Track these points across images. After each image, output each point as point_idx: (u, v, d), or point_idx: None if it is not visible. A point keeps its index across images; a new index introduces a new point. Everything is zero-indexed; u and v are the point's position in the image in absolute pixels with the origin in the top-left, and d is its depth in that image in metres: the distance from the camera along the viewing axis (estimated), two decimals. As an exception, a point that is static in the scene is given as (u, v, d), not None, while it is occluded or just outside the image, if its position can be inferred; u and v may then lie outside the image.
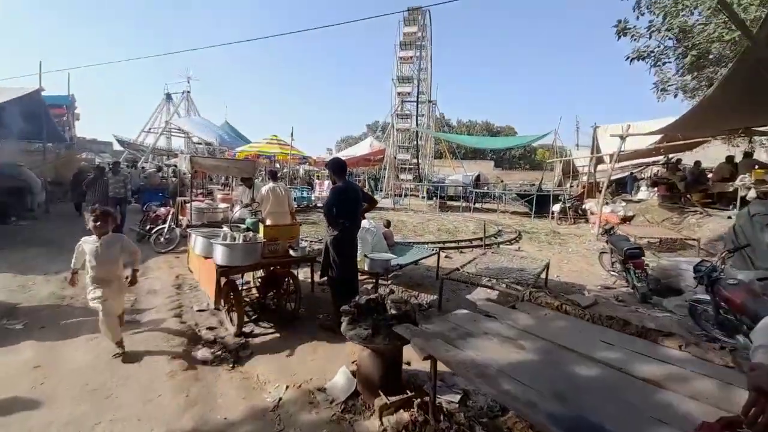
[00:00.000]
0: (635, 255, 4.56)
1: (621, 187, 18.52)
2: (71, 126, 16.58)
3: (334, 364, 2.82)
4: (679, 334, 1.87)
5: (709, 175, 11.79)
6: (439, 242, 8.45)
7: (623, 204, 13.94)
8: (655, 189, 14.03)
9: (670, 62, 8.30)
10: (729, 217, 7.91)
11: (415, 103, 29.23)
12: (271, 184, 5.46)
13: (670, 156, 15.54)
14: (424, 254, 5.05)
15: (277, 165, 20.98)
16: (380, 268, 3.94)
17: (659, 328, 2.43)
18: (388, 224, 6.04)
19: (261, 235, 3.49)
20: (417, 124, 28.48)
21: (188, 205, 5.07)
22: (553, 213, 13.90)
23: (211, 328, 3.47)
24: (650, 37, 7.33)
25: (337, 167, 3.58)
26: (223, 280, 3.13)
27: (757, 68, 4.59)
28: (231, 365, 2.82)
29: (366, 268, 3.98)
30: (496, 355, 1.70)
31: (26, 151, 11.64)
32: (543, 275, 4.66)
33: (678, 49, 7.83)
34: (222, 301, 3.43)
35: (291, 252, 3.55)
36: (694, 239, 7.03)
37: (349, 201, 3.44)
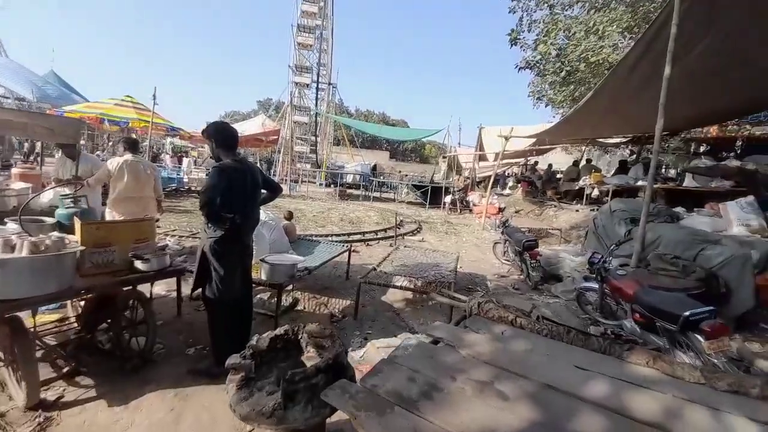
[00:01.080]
0: (531, 246, 4.90)
1: (494, 183, 21.58)
2: None
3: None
4: (640, 348, 1.70)
5: (558, 176, 14.57)
6: (344, 234, 7.82)
7: (496, 197, 16.15)
8: (519, 185, 16.72)
9: (547, 74, 9.57)
10: (576, 211, 9.76)
11: (313, 89, 27.61)
12: (128, 157, 3.78)
13: (528, 158, 18.77)
14: (334, 252, 4.32)
15: (133, 135, 16.53)
16: (284, 277, 3.03)
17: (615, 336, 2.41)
18: (290, 216, 5.05)
19: (76, 237, 2.15)
20: (317, 107, 26.89)
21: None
22: (444, 204, 14.97)
23: (-27, 401, 1.99)
24: (535, 49, 8.19)
25: (224, 135, 2.46)
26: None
27: (612, 94, 5.56)
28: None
29: (263, 277, 3.01)
30: (485, 421, 1.16)
31: None
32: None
33: (556, 64, 9.05)
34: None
35: (138, 264, 2.30)
36: (557, 228, 8.35)
37: (242, 187, 2.41)
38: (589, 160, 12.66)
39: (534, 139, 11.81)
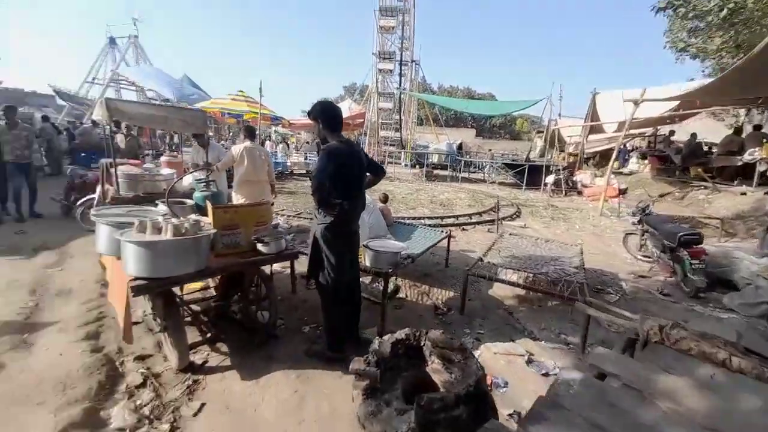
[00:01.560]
0: (693, 241, 3.77)
1: (605, 159, 18.24)
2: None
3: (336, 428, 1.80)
4: None
5: (707, 149, 11.39)
6: (436, 217, 7.46)
7: (614, 177, 13.54)
8: (646, 161, 13.68)
9: (698, 15, 7.30)
10: (743, 194, 7.43)
11: (396, 74, 27.13)
12: (247, 143, 4.10)
13: (658, 128, 15.15)
14: (434, 239, 4.02)
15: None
16: (387, 264, 2.85)
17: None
18: (385, 198, 4.90)
19: (209, 219, 2.27)
20: (400, 86, 26.45)
21: (114, 170, 3.64)
22: (545, 185, 13.24)
23: (141, 358, 2.32)
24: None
25: (330, 115, 2.31)
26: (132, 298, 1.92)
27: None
28: (165, 439, 1.72)
29: (367, 263, 2.88)
30: None
31: None
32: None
33: (713, 1, 6.81)
34: (157, 321, 2.27)
35: (260, 247, 2.36)
36: (713, 218, 6.47)
37: (349, 169, 2.25)
38: (758, 127, 9.47)
39: (673, 104, 9.28)
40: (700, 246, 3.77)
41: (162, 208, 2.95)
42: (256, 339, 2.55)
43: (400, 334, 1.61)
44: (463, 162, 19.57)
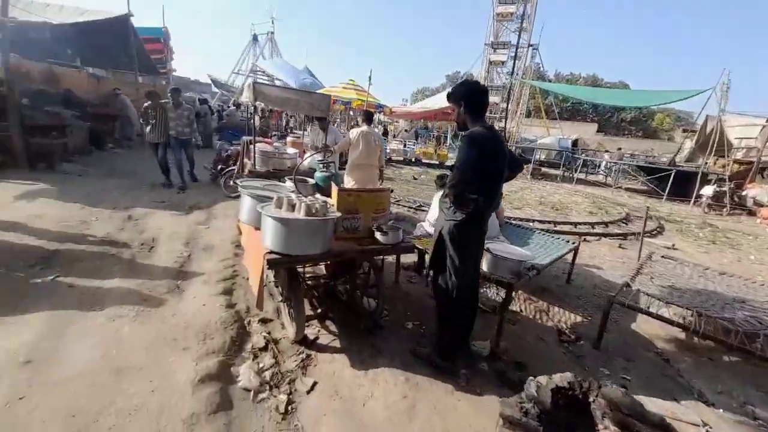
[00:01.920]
0: None
1: None
2: (168, 61, 17.13)
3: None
4: None
5: None
6: (548, 222, 6.53)
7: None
8: None
9: None
10: None
11: (508, 67, 24.72)
12: (364, 128, 4.18)
13: None
14: (560, 249, 3.40)
15: (351, 113, 19.80)
16: (510, 273, 2.46)
17: None
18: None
19: (332, 201, 2.24)
20: (513, 73, 24.13)
21: (252, 147, 4.11)
22: (699, 197, 10.44)
23: (264, 321, 2.49)
24: None
25: (477, 99, 2.01)
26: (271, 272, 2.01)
27: None
28: (282, 411, 1.76)
29: (484, 269, 2.53)
30: None
31: (121, 82, 12.09)
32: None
33: None
34: (279, 290, 2.39)
35: (378, 236, 2.25)
36: None
37: (493, 162, 1.94)
38: None
39: None
40: None
41: (289, 184, 3.13)
42: (362, 324, 2.51)
43: (562, 380, 1.26)
44: (580, 161, 16.99)
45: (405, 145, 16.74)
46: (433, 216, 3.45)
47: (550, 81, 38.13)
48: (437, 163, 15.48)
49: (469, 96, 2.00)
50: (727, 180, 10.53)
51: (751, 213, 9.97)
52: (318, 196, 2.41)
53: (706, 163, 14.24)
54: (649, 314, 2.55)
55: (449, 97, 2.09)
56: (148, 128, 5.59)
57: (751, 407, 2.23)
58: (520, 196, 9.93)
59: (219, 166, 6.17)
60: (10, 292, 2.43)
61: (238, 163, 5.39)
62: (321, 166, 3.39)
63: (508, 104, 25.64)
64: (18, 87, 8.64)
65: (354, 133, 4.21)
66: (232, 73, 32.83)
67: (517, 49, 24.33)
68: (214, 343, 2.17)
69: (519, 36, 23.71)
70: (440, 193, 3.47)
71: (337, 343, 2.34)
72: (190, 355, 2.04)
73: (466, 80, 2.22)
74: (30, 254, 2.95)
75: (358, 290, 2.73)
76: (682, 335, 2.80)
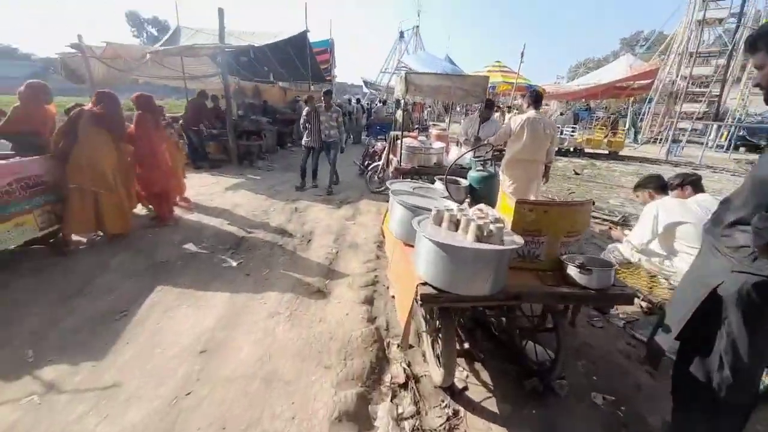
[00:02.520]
0: None
1: None
2: (332, 69, 19.69)
3: None
4: None
5: None
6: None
7: None
8: None
9: None
10: None
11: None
12: (531, 113, 3.38)
13: None
14: None
15: (496, 98, 18.01)
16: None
17: None
18: None
19: (499, 213, 1.63)
20: (741, 16, 16.74)
21: (399, 142, 3.90)
22: None
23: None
24: None
25: None
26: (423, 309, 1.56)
27: None
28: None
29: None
30: None
31: (300, 90, 14.49)
32: None
33: None
34: (426, 320, 1.99)
35: (574, 274, 1.52)
36: None
37: None
38: None
39: None
40: None
41: (439, 185, 2.71)
42: (527, 383, 1.85)
43: None
44: None
45: (562, 132, 14.06)
46: (641, 237, 2.39)
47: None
48: (607, 152, 12.33)
49: None
50: None
51: None
52: (484, 208, 1.87)
53: None
54: None
55: (758, 45, 1.13)
56: (305, 133, 5.54)
57: None
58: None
59: (366, 162, 6.42)
60: (209, 271, 2.96)
61: (383, 159, 5.42)
62: (477, 163, 2.81)
63: (726, 75, 17.87)
64: (237, 101, 11.35)
65: (517, 121, 3.42)
66: (380, 72, 35.49)
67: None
68: (354, 365, 1.97)
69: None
70: (656, 207, 2.36)
71: (492, 405, 1.78)
72: (330, 377, 1.89)
73: None
74: (228, 239, 3.60)
75: (519, 331, 2.07)
76: None
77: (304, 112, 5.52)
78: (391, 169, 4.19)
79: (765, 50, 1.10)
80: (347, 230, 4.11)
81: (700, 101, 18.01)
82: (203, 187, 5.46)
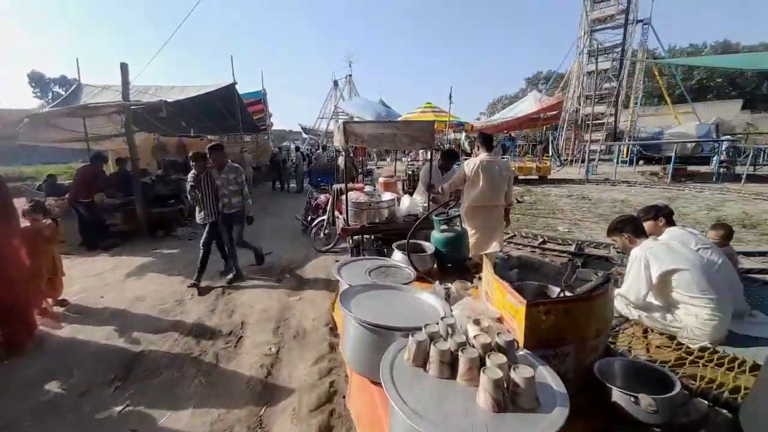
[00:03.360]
0: None
1: None
2: (267, 118, 19.15)
3: None
4: None
5: None
6: (771, 254, 4.23)
7: None
8: None
9: None
10: None
11: (612, 34, 20.78)
12: (483, 156, 3.09)
13: None
14: None
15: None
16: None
17: None
18: (729, 233, 2.70)
19: (504, 312, 1.10)
20: (623, 55, 20.24)
21: (343, 198, 3.36)
22: None
23: None
24: None
25: None
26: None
27: None
28: None
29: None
30: None
31: (231, 142, 13.61)
32: None
33: None
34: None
35: (625, 404, 0.98)
36: None
37: None
38: None
39: None
40: None
41: (399, 256, 2.17)
42: None
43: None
44: (743, 152, 12.68)
45: (496, 162, 14.79)
46: (637, 292, 2.06)
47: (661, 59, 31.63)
48: (537, 177, 13.27)
49: None
50: None
51: None
52: (474, 305, 1.32)
53: None
54: None
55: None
56: (197, 205, 3.89)
57: None
58: (675, 210, 7.32)
59: (309, 217, 5.75)
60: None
61: (327, 214, 4.82)
62: (440, 222, 2.35)
63: (618, 91, 21.34)
64: (158, 158, 10.10)
65: (470, 165, 3.12)
66: (317, 118, 35.96)
67: (625, 30, 20.57)
68: None
69: (626, 19, 20.10)
70: (644, 255, 2.07)
71: None
72: None
73: None
74: (113, 363, 2.53)
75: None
76: None
77: (189, 176, 3.81)
78: (337, 229, 3.59)
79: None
80: (291, 311, 3.32)
81: (601, 129, 21.02)
82: (94, 277, 4.20)
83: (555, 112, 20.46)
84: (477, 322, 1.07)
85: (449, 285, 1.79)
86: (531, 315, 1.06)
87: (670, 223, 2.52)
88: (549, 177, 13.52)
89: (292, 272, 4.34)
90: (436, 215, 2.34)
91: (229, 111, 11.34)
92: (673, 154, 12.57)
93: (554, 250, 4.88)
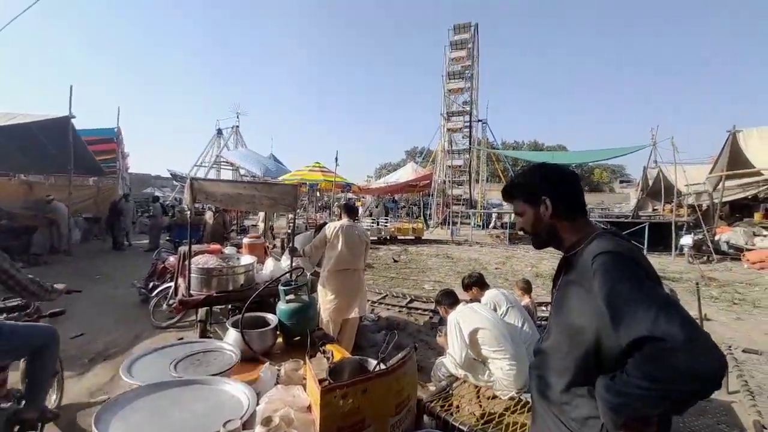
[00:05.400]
0: None
1: (737, 209, 14.79)
2: (121, 160, 16.16)
3: None
4: None
5: None
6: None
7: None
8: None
9: None
10: None
11: (464, 133, 27.46)
12: (344, 221, 3.21)
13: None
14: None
15: (317, 194, 19.44)
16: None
17: None
18: (528, 287, 3.42)
19: (306, 397, 1.07)
20: (470, 145, 26.12)
21: (188, 263, 2.89)
22: (682, 248, 10.27)
23: None
24: None
25: (565, 185, 1.06)
26: None
27: None
28: None
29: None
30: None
31: (61, 186, 10.78)
32: None
33: None
34: None
35: None
36: None
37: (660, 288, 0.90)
38: None
39: None
40: None
41: (234, 334, 1.93)
42: None
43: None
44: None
45: (378, 224, 16.02)
46: (457, 352, 2.31)
47: (498, 149, 42.25)
48: (413, 238, 14.78)
49: (559, 185, 1.08)
50: (702, 228, 10.58)
51: (736, 258, 9.85)
52: (282, 394, 1.22)
53: (656, 210, 14.97)
54: None
55: (514, 193, 1.14)
56: None
57: None
58: (511, 267, 9.12)
59: (151, 284, 4.73)
60: None
61: (174, 281, 4.08)
62: (287, 292, 2.23)
63: (470, 172, 27.28)
64: None
65: (331, 228, 3.22)
66: (194, 165, 32.46)
67: (471, 128, 26.75)
68: None
69: (470, 114, 26.24)
70: (455, 317, 2.41)
71: None
72: None
73: (543, 164, 1.22)
74: None
75: None
76: None
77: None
78: (178, 296, 3.03)
79: (520, 198, 1.11)
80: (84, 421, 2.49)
81: (461, 202, 26.03)
82: None
83: (427, 182, 24.14)
84: (267, 421, 0.98)
85: (282, 365, 1.65)
86: (327, 402, 1.04)
87: (484, 286, 3.05)
88: (423, 237, 15.20)
89: (108, 360, 3.37)
90: (283, 286, 2.23)
91: (59, 147, 9.20)
92: (509, 221, 15.99)
93: (418, 309, 5.29)
